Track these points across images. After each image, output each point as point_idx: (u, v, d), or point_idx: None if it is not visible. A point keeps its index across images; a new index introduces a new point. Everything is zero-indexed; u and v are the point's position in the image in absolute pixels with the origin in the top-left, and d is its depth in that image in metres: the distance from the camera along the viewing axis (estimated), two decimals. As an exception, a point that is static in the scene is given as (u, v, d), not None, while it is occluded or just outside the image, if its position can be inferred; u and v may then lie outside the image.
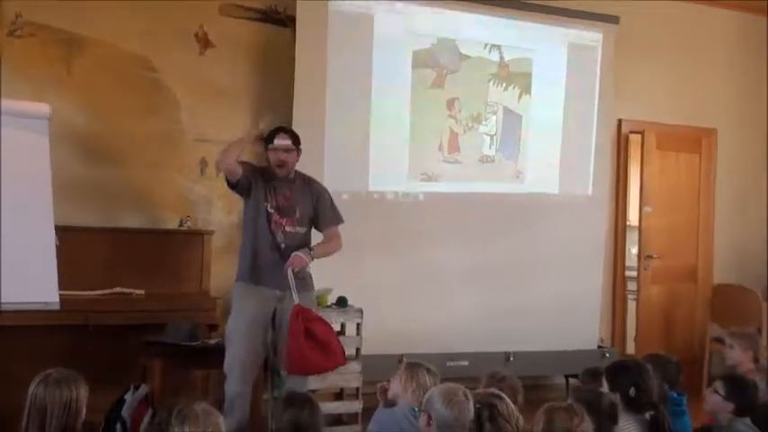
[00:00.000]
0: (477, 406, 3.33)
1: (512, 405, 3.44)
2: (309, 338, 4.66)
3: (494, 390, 3.56)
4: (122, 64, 6.04)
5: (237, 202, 6.29)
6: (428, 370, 3.95)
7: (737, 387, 4.11)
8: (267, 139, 5.03)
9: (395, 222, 6.48)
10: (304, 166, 6.19)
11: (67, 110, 5.79)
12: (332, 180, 6.14)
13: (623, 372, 3.92)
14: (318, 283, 5.70)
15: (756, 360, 4.98)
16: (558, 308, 6.88)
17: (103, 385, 4.58)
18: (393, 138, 6.51)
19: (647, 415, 3.78)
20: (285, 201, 4.96)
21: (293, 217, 4.96)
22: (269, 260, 4.87)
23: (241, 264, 4.98)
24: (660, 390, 4.09)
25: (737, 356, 4.99)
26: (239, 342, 4.81)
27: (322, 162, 6.21)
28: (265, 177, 4.99)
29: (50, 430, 3.29)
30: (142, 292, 5.62)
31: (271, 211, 4.92)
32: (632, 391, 3.79)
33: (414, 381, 3.90)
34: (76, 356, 4.89)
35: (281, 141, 4.97)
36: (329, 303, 5.91)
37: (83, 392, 3.41)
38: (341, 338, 5.95)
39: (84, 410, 3.41)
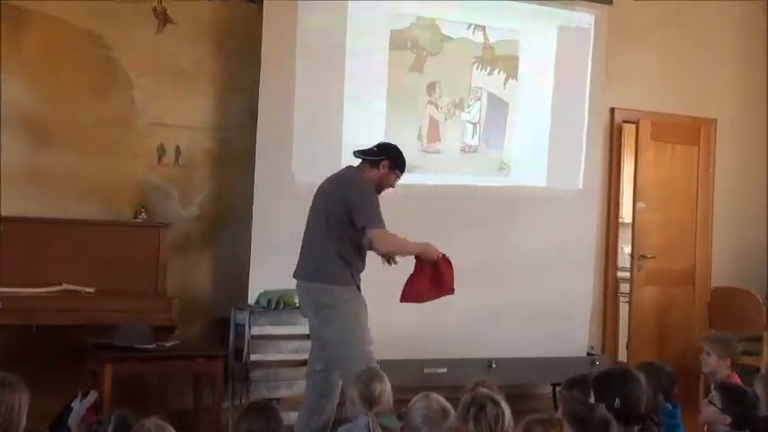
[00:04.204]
0: (469, 401, 3.42)
1: (506, 414, 3.51)
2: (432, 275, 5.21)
3: (493, 394, 3.63)
4: (73, 41, 6.01)
5: (197, 193, 6.34)
6: (380, 380, 4.04)
7: (734, 398, 4.13)
8: (399, 166, 5.26)
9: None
10: (271, 154, 6.19)
11: (13, 89, 5.77)
12: (301, 169, 6.17)
13: (609, 382, 3.93)
14: (285, 282, 5.72)
15: (734, 367, 5.00)
16: (545, 311, 6.90)
17: (48, 391, 4.57)
18: (368, 124, 6.50)
19: (636, 429, 3.80)
20: None
21: None
22: (362, 267, 5.18)
23: (341, 268, 5.07)
24: (654, 401, 4.12)
25: (714, 364, 5.01)
26: (369, 347, 5.05)
27: (291, 150, 6.23)
28: None
29: (-13, 438, 3.26)
30: (92, 290, 5.60)
31: None
32: (617, 403, 3.80)
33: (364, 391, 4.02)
34: (19, 359, 4.89)
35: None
36: (297, 303, 5.88)
37: (24, 399, 3.37)
38: (309, 342, 5.99)
39: (24, 419, 3.37)
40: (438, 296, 5.28)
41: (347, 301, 5.04)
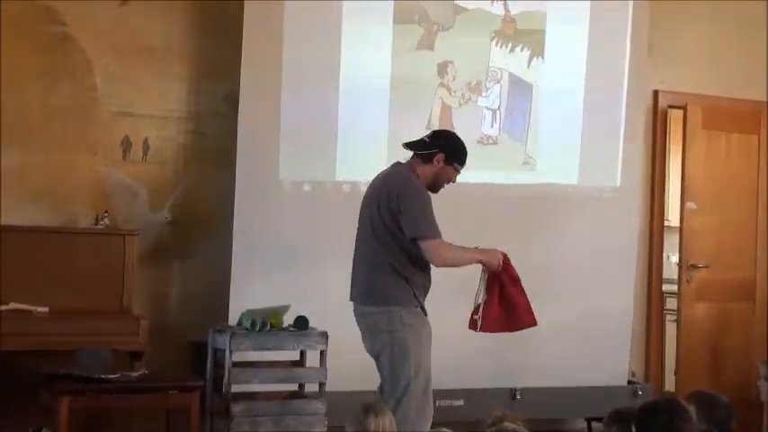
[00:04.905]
0: None
1: None
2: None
3: (520, 429, 3.61)
4: (21, 15, 6.03)
5: (169, 194, 6.33)
6: (375, 413, 4.05)
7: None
8: (458, 157, 5.23)
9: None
10: (255, 148, 6.17)
11: (-51, 73, 5.78)
12: (290, 167, 6.17)
13: (653, 414, 3.91)
14: (272, 299, 5.71)
15: None
16: (578, 332, 6.90)
17: (-6, 429, 4.56)
18: (368, 113, 6.51)
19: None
20: None
21: None
22: (428, 285, 5.19)
23: (400, 287, 5.07)
24: (707, 437, 4.09)
25: None
26: (427, 381, 5.08)
27: (277, 144, 6.23)
28: None
29: None
30: (46, 309, 5.61)
31: None
32: (661, 438, 3.78)
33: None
34: (-41, 392, 4.87)
35: None
36: (285, 325, 5.88)
37: None
38: (299, 371, 5.98)
39: None
40: (518, 327, 5.29)
41: (408, 326, 5.02)
